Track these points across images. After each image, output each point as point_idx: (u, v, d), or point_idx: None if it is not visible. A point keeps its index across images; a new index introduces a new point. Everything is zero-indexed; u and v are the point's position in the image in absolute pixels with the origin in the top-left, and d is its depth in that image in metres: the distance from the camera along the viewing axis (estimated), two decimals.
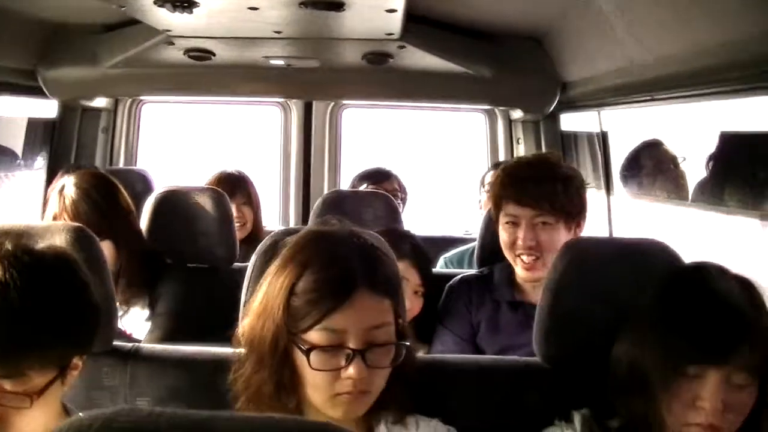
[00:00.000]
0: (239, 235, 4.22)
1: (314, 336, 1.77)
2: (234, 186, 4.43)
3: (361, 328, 1.77)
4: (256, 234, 4.40)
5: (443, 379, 2.26)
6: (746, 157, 3.22)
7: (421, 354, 2.89)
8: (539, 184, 2.86)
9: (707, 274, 1.93)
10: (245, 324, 1.91)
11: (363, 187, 4.78)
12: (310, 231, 1.95)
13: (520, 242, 2.89)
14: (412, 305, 3.05)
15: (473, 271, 3.33)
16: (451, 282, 3.20)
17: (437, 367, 2.32)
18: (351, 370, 1.75)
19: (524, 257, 2.89)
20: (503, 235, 2.97)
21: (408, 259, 3.09)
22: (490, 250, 3.32)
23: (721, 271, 1.93)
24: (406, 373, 1.91)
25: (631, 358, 1.95)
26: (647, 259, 2.19)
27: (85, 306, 1.81)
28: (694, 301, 1.88)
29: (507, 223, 2.94)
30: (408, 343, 1.88)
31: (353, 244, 1.87)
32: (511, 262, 2.98)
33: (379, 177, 4.81)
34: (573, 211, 2.90)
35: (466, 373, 2.31)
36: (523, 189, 2.88)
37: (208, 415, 0.90)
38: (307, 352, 1.76)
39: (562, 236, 2.86)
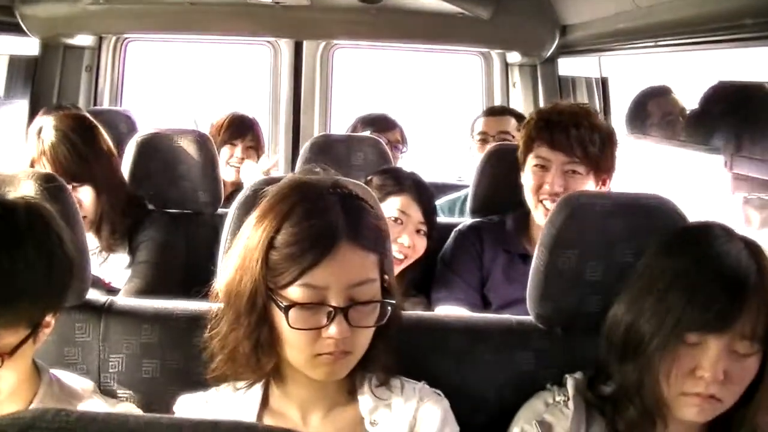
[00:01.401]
0: (237, 178, 4.27)
1: (294, 292, 1.68)
2: (243, 128, 4.40)
3: (343, 285, 1.68)
4: None
5: (430, 338, 2.18)
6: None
7: (413, 308, 2.84)
8: (576, 129, 2.79)
9: (712, 235, 1.84)
10: (222, 279, 1.82)
11: (367, 133, 4.67)
12: (291, 180, 1.84)
13: (546, 187, 2.82)
14: (415, 245, 2.98)
15: (469, 220, 3.26)
16: (459, 227, 3.14)
17: (423, 326, 2.23)
18: (332, 329, 1.67)
19: (548, 203, 2.81)
20: (529, 179, 2.89)
21: (409, 193, 3.01)
22: (483, 199, 3.27)
23: (726, 232, 1.85)
24: (391, 332, 1.83)
25: (628, 322, 1.86)
26: (650, 215, 2.10)
27: (59, 262, 1.73)
28: (697, 264, 1.79)
29: (536, 166, 2.87)
30: (394, 302, 1.79)
31: (336, 195, 1.76)
32: (532, 207, 2.92)
33: (384, 125, 4.69)
34: (605, 165, 2.84)
35: (454, 333, 2.21)
36: (559, 133, 2.81)
37: (143, 421, 0.78)
38: (285, 310, 1.68)
39: (590, 189, 2.80)
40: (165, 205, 3.39)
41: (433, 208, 3.14)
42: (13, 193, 1.83)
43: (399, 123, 4.78)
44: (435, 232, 3.07)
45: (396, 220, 2.94)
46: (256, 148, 4.41)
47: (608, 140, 2.84)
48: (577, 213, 2.08)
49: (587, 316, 2.06)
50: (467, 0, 4.28)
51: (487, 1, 4.34)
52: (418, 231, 2.99)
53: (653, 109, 4.28)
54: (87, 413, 0.76)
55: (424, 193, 3.07)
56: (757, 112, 3.26)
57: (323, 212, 1.71)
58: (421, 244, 3.00)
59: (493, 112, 4.47)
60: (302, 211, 1.71)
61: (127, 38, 5.55)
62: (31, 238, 1.67)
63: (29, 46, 4.87)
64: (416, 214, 3.00)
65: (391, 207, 2.96)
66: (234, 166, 4.26)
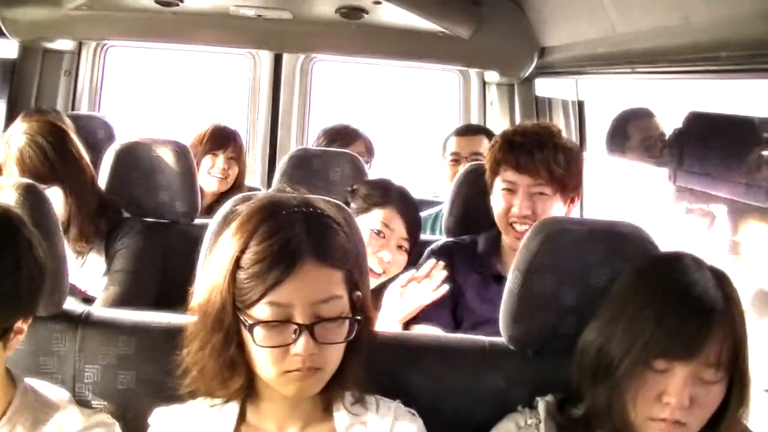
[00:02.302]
0: (218, 188, 4.28)
1: (260, 311, 1.70)
2: (225, 139, 4.38)
3: (307, 302, 1.69)
4: (235, 191, 4.30)
5: (403, 357, 2.19)
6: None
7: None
8: (540, 151, 2.81)
9: (682, 264, 1.87)
10: (196, 296, 1.84)
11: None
12: (260, 199, 1.85)
13: (515, 210, 2.84)
14: (395, 260, 2.94)
15: (443, 238, 3.26)
16: (432, 247, 3.11)
17: (397, 345, 2.24)
18: (298, 346, 1.68)
19: (517, 226, 2.84)
20: (498, 202, 2.91)
21: (394, 206, 2.97)
22: (457, 219, 3.28)
23: (696, 262, 1.87)
24: (362, 349, 1.84)
25: (598, 345, 1.88)
26: (622, 242, 2.12)
27: (28, 267, 1.73)
28: (666, 292, 1.82)
29: (503, 189, 2.89)
30: (360, 317, 1.80)
31: (301, 213, 1.77)
32: (502, 230, 2.94)
33: (347, 137, 4.70)
34: (570, 183, 2.87)
35: (427, 352, 2.23)
36: (523, 155, 2.82)
37: None
38: (250, 328, 1.70)
39: (557, 209, 2.84)
40: (142, 213, 3.38)
41: (418, 224, 3.10)
42: None
43: (363, 134, 4.77)
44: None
45: (378, 233, 2.92)
46: (237, 159, 4.39)
47: (573, 159, 2.87)
48: (552, 238, 2.10)
49: (560, 338, 2.08)
50: (448, 19, 4.31)
51: (468, 21, 4.38)
52: (399, 246, 2.96)
53: (633, 131, 4.32)
54: None
55: (409, 208, 3.03)
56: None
57: (286, 230, 1.72)
58: (401, 260, 2.97)
59: (465, 131, 4.45)
60: (266, 230, 1.72)
61: (106, 44, 5.53)
62: None
63: (8, 48, 4.84)
64: (400, 228, 2.96)
65: (375, 219, 2.94)
66: (215, 176, 4.26)
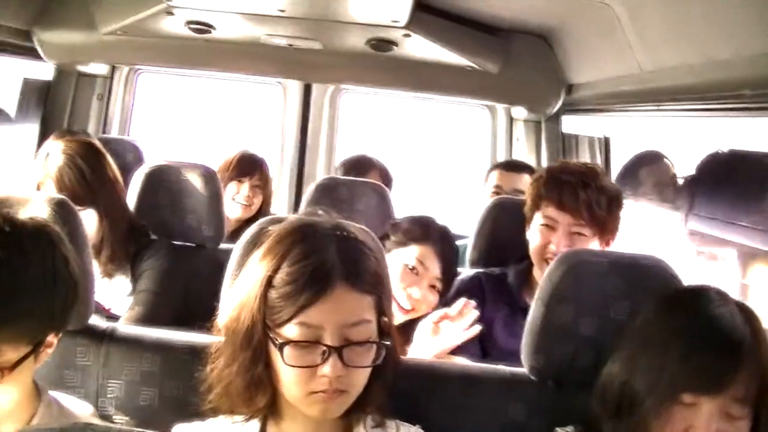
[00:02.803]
0: (242, 215, 4.29)
1: (290, 331, 1.71)
2: (252, 166, 4.41)
3: (337, 325, 1.71)
4: (259, 218, 4.33)
5: (426, 384, 2.20)
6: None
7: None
8: (584, 191, 2.81)
9: (707, 299, 1.86)
10: (224, 314, 1.86)
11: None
12: (293, 221, 1.88)
13: (552, 247, 2.85)
14: (425, 299, 2.89)
15: (469, 270, 3.27)
16: (461, 276, 3.12)
17: (420, 371, 2.26)
18: (326, 368, 1.69)
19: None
20: (535, 237, 2.92)
21: (432, 246, 2.93)
22: (483, 251, 3.30)
23: (721, 296, 1.87)
24: (387, 374, 1.85)
25: (622, 380, 1.88)
26: (644, 275, 2.13)
27: (64, 283, 1.76)
28: (692, 327, 1.81)
29: (543, 225, 2.90)
30: (388, 343, 1.81)
31: (334, 237, 1.80)
32: (536, 264, 2.95)
33: (361, 167, 4.73)
34: (609, 227, 2.87)
35: (449, 379, 2.24)
36: (567, 194, 2.83)
37: None
38: (280, 347, 1.71)
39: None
40: (169, 236, 3.41)
41: (454, 266, 3.03)
42: (24, 214, 1.85)
43: (378, 164, 4.79)
44: None
45: (412, 269, 2.88)
46: (262, 187, 4.41)
47: (615, 202, 2.87)
48: (575, 270, 2.12)
49: (580, 370, 2.09)
50: (476, 53, 4.33)
51: (496, 56, 4.40)
52: (432, 286, 2.91)
53: (645, 175, 4.32)
54: (114, 428, 0.80)
55: (448, 249, 2.98)
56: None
57: (319, 253, 1.74)
58: (432, 300, 2.92)
59: (509, 167, 4.47)
60: (300, 252, 1.75)
61: (139, 69, 5.59)
62: (36, 257, 1.70)
63: (43, 70, 4.92)
64: (434, 268, 2.91)
65: (411, 255, 2.90)
66: (239, 203, 4.28)
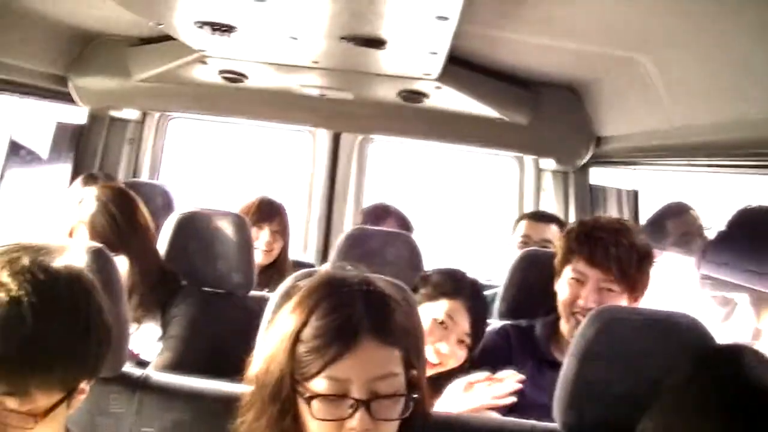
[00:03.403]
0: (263, 261, 4.27)
1: (318, 384, 1.72)
2: (271, 212, 4.41)
3: (365, 378, 1.71)
4: (279, 264, 4.40)
5: None
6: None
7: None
8: (616, 248, 2.81)
9: (743, 359, 1.83)
10: (254, 367, 1.87)
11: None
12: (322, 275, 1.90)
13: (581, 302, 2.84)
14: (454, 354, 2.88)
15: (497, 322, 3.26)
16: (489, 329, 3.10)
17: (449, 425, 2.27)
18: (354, 422, 1.69)
19: (580, 317, 2.80)
20: (564, 290, 2.91)
21: (462, 300, 2.92)
22: (512, 303, 3.27)
23: (757, 356, 1.84)
24: (416, 427, 1.85)
25: None
26: (677, 333, 2.13)
27: (97, 331, 1.75)
28: (728, 389, 1.78)
29: (572, 279, 2.89)
30: (417, 396, 1.81)
31: (361, 292, 1.81)
32: (564, 318, 2.93)
33: (378, 216, 4.76)
34: (639, 284, 2.86)
35: None
36: (599, 249, 2.83)
37: None
38: (308, 400, 1.72)
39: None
40: (199, 282, 3.42)
41: (483, 321, 3.02)
42: (59, 262, 1.87)
43: (396, 211, 4.80)
44: None
45: (441, 323, 2.87)
46: (282, 233, 4.42)
47: (646, 260, 2.86)
48: (608, 327, 2.12)
49: (613, 427, 2.07)
50: (506, 105, 4.35)
51: (526, 108, 4.41)
52: (461, 341, 2.89)
53: (672, 226, 4.32)
54: None
55: (478, 304, 2.97)
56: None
57: (347, 307, 1.76)
58: (460, 355, 2.90)
59: (538, 217, 4.48)
60: (327, 306, 1.76)
61: (170, 115, 5.67)
62: (70, 305, 1.70)
63: (76, 114, 4.98)
64: (464, 323, 2.90)
65: (440, 309, 2.89)
66: (258, 249, 4.25)
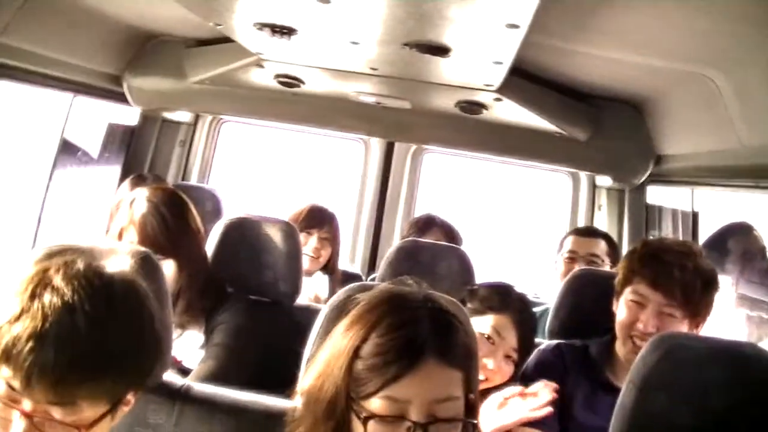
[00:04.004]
0: (309, 267, 4.24)
1: (375, 404, 1.66)
2: (321, 219, 4.41)
3: (425, 400, 1.65)
4: (328, 272, 4.40)
5: None
6: None
7: None
8: (681, 273, 2.71)
9: None
10: (305, 382, 1.80)
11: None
12: (383, 290, 1.83)
13: (640, 325, 2.74)
14: (501, 369, 2.82)
15: (547, 341, 3.17)
16: (542, 347, 3.04)
17: None
18: None
19: (638, 341, 2.73)
20: (623, 312, 2.81)
21: (510, 315, 2.86)
22: (563, 322, 3.20)
23: None
24: None
25: None
26: (745, 364, 2.03)
27: (150, 342, 1.71)
28: None
29: (632, 301, 2.79)
30: (476, 422, 1.75)
31: (426, 309, 1.75)
32: (620, 340, 2.84)
33: (423, 226, 4.70)
34: (702, 311, 2.76)
35: None
36: (663, 273, 2.73)
37: None
38: (365, 421, 1.65)
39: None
40: (245, 290, 3.36)
41: (531, 337, 2.98)
42: (106, 265, 1.81)
43: (442, 222, 4.73)
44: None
45: (488, 338, 2.82)
46: (331, 240, 4.40)
47: (710, 285, 2.76)
48: (671, 355, 2.03)
49: None
50: (565, 120, 4.28)
51: (585, 123, 4.34)
52: (507, 356, 2.85)
53: (733, 246, 4.22)
54: None
55: (526, 319, 2.93)
56: None
57: (411, 325, 1.69)
58: (507, 370, 2.85)
59: (584, 232, 4.42)
60: (390, 323, 1.70)
61: (222, 118, 5.67)
62: (124, 314, 1.65)
63: (128, 114, 5.01)
64: (511, 338, 2.86)
65: (487, 324, 2.84)
66: (306, 255, 4.22)
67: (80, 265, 1.65)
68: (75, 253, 1.72)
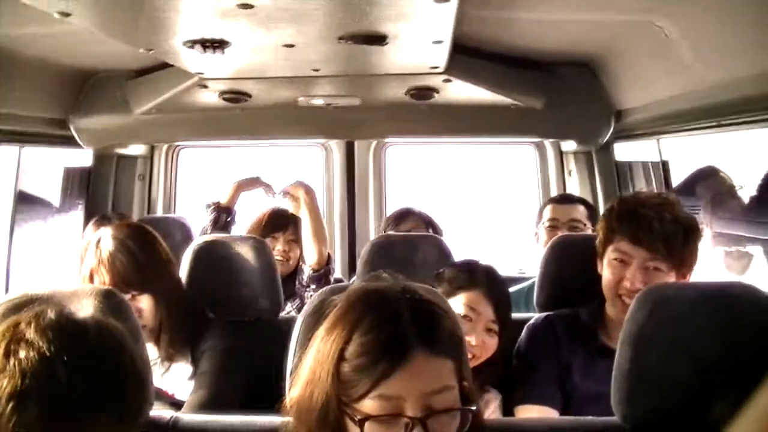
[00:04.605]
0: (281, 270, 4.13)
1: (368, 405, 1.62)
2: (284, 221, 4.40)
3: (419, 394, 1.61)
4: (297, 274, 4.32)
5: None
6: None
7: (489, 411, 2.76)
8: (661, 224, 2.69)
9: None
10: (293, 394, 1.76)
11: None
12: (358, 288, 1.79)
13: (626, 283, 2.72)
14: (485, 343, 2.82)
15: (537, 314, 3.16)
16: (532, 321, 3.04)
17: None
18: None
19: (626, 299, 2.71)
20: (607, 273, 2.80)
21: (480, 288, 2.87)
22: (550, 292, 3.17)
23: None
24: None
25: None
26: (735, 305, 2.02)
27: (133, 381, 1.67)
28: None
29: (615, 260, 2.78)
30: (474, 408, 1.70)
31: (405, 300, 1.70)
32: (609, 301, 2.82)
33: (398, 217, 4.66)
34: (687, 261, 2.74)
35: None
36: (642, 227, 2.70)
37: None
38: (360, 423, 1.61)
39: None
40: (225, 312, 3.31)
41: (507, 305, 2.97)
42: (78, 311, 1.75)
43: (417, 212, 4.68)
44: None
45: (465, 317, 2.81)
46: (297, 241, 4.37)
47: (692, 234, 2.74)
48: (659, 308, 2.02)
49: (678, 417, 1.97)
50: (519, 91, 4.25)
51: (539, 91, 4.32)
52: (488, 329, 2.84)
53: (702, 191, 4.21)
54: None
55: (496, 289, 2.92)
56: None
57: (393, 320, 1.65)
58: (491, 343, 2.85)
59: (562, 199, 4.41)
60: (371, 321, 1.66)
61: (178, 146, 5.62)
62: (104, 359, 1.62)
63: (83, 157, 4.95)
64: (487, 311, 2.85)
65: (460, 303, 2.84)
66: (277, 259, 4.18)
67: (51, 314, 1.61)
68: (39, 302, 1.67)
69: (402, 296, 1.72)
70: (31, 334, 1.56)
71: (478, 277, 2.90)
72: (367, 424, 1.60)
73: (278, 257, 4.23)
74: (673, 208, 2.74)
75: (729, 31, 2.66)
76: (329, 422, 1.66)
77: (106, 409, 1.58)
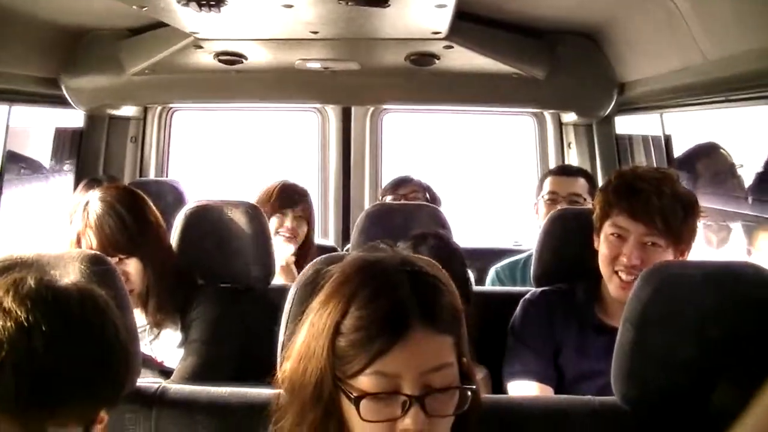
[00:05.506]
0: (286, 248, 4.10)
1: (364, 382, 1.54)
2: (294, 198, 4.21)
3: (417, 371, 1.54)
4: (305, 250, 4.21)
5: (509, 425, 2.05)
6: None
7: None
8: (659, 200, 2.63)
9: None
10: (285, 367, 1.69)
11: (388, 199, 4.60)
12: (355, 259, 1.71)
13: (623, 259, 2.67)
14: None
15: (532, 288, 3.11)
16: (527, 296, 2.99)
17: (502, 411, 2.09)
18: (408, 421, 1.52)
19: (623, 275, 2.66)
20: (604, 248, 2.75)
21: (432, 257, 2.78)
22: (547, 266, 3.10)
23: None
24: (472, 421, 1.68)
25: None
26: (741, 284, 1.97)
27: (116, 354, 1.60)
28: None
29: (613, 234, 2.72)
30: (473, 387, 1.64)
31: (405, 273, 1.62)
32: (606, 277, 2.77)
33: (396, 184, 4.64)
34: (685, 238, 2.68)
35: (533, 418, 2.09)
36: (640, 202, 2.65)
37: None
38: (356, 401, 1.54)
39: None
40: (216, 279, 3.26)
41: (463, 269, 2.91)
42: (63, 276, 1.68)
43: (413, 178, 4.67)
44: (499, 303, 2.90)
45: None
46: (306, 218, 4.24)
47: (691, 210, 2.68)
48: (664, 287, 1.96)
49: (679, 397, 1.94)
50: (521, 60, 4.21)
51: (542, 61, 4.27)
52: None
53: (702, 168, 4.16)
54: None
55: (446, 255, 2.76)
56: None
57: (392, 293, 1.58)
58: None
59: (563, 171, 4.34)
60: (369, 293, 1.58)
61: (172, 108, 5.56)
62: (85, 329, 1.54)
63: (74, 117, 4.89)
64: None
65: None
66: (283, 236, 4.11)
67: (31, 281, 1.53)
68: (21, 266, 1.61)
69: (402, 268, 1.64)
70: (8, 302, 1.49)
71: (421, 251, 2.79)
72: (363, 402, 1.54)
73: (286, 234, 4.11)
74: (672, 183, 2.69)
75: (739, 4, 2.59)
76: (323, 399, 1.60)
77: (87, 382, 1.52)
